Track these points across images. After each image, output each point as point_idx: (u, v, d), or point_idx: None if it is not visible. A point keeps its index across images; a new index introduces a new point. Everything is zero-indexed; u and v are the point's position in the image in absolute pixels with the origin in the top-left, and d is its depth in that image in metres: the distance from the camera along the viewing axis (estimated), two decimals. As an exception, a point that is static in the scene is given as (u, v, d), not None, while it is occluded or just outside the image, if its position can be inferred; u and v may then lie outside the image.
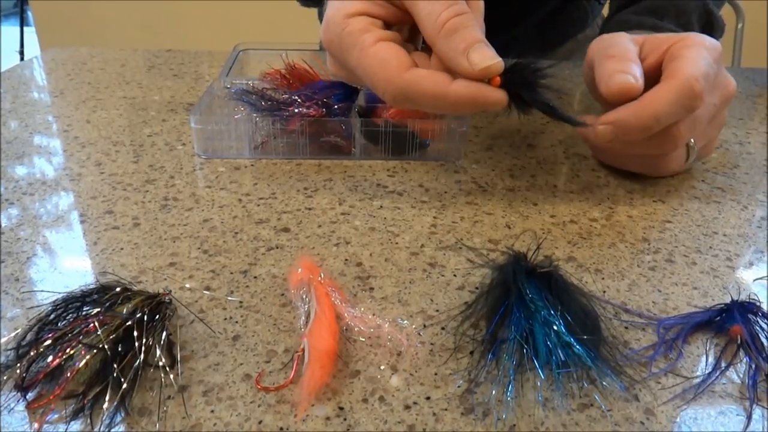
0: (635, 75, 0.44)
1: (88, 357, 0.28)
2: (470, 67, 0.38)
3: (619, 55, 0.45)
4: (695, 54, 0.44)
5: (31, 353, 0.29)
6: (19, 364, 0.29)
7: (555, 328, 0.31)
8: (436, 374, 0.30)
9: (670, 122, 0.43)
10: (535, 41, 0.86)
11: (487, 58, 0.38)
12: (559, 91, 0.41)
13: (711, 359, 0.32)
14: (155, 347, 0.30)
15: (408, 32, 0.44)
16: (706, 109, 0.46)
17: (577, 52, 0.88)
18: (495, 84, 0.39)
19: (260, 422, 0.28)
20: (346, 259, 0.39)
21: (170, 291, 0.34)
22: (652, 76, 0.45)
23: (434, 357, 0.32)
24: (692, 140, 0.48)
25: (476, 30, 0.39)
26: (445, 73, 0.39)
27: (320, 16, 0.91)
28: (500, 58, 0.38)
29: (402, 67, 0.39)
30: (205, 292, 0.36)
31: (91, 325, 0.30)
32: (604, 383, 0.30)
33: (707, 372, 0.31)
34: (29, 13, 2.51)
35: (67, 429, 0.27)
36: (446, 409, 0.28)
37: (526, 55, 0.46)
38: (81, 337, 0.29)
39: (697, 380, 0.30)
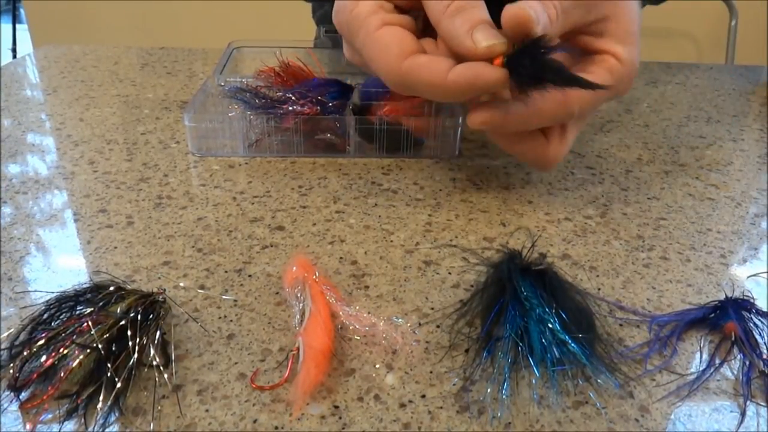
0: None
1: (81, 357, 0.28)
2: (474, 46, 0.37)
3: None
4: (604, 73, 0.41)
5: (25, 353, 0.29)
6: (12, 364, 0.29)
7: (550, 325, 0.31)
8: (431, 372, 0.30)
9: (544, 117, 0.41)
10: None
11: (491, 37, 0.37)
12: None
13: (705, 356, 0.32)
14: (149, 346, 0.30)
15: (422, 23, 0.42)
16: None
17: None
18: (496, 64, 0.37)
19: (255, 421, 0.28)
20: (341, 258, 0.39)
21: (164, 290, 0.34)
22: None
23: (429, 355, 0.32)
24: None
25: (482, 11, 0.38)
26: (447, 59, 0.38)
27: (314, 11, 0.91)
28: (505, 39, 0.37)
29: (403, 54, 0.38)
30: (199, 290, 0.36)
31: (85, 324, 0.30)
32: (598, 381, 0.30)
33: (701, 369, 0.31)
34: (22, 11, 2.50)
35: (60, 429, 0.27)
36: (441, 408, 0.28)
37: None
38: (74, 336, 0.29)
39: (692, 377, 0.31)
